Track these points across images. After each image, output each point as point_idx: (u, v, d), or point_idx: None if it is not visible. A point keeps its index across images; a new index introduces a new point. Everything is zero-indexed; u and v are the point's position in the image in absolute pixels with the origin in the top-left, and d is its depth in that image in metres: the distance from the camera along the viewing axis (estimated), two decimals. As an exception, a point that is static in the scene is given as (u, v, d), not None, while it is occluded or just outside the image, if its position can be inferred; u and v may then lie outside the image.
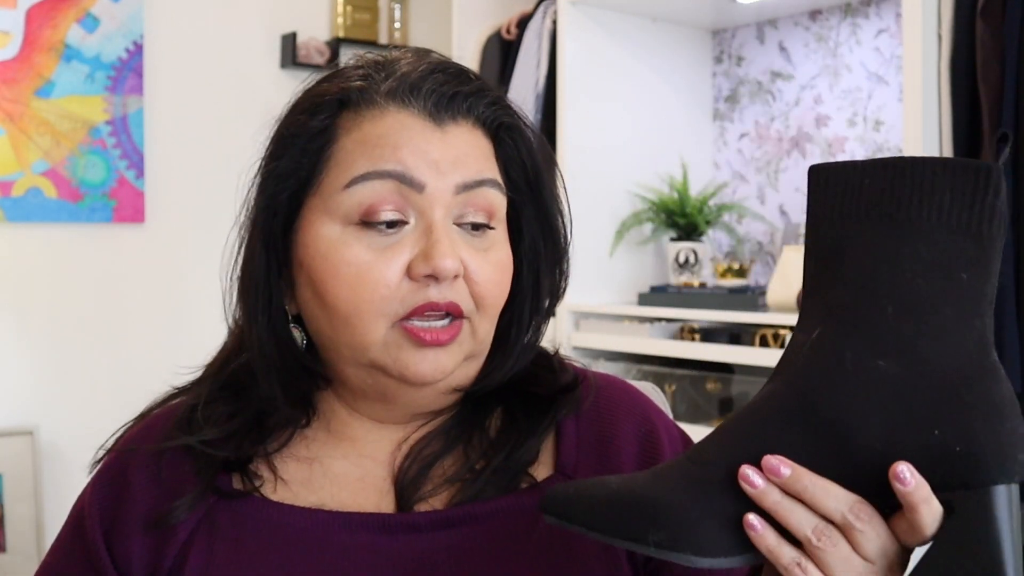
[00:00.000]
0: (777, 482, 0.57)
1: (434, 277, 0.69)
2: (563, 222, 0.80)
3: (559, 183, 0.81)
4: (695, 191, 2.52)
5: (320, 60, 2.99)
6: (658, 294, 2.37)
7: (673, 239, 2.48)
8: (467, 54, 2.73)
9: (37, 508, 2.53)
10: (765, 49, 2.60)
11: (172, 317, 2.78)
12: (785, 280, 2.10)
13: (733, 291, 2.21)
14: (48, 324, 2.66)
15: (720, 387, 2.27)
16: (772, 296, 2.13)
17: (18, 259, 2.61)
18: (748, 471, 0.58)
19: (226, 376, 0.79)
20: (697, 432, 0.92)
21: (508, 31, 2.65)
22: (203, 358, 0.83)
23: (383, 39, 3.16)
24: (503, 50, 2.65)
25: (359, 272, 0.70)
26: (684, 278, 2.43)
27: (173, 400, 0.83)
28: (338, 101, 0.73)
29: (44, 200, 2.62)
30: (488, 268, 0.73)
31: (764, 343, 2.05)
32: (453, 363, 0.72)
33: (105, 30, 2.69)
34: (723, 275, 2.37)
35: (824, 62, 2.45)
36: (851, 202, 0.58)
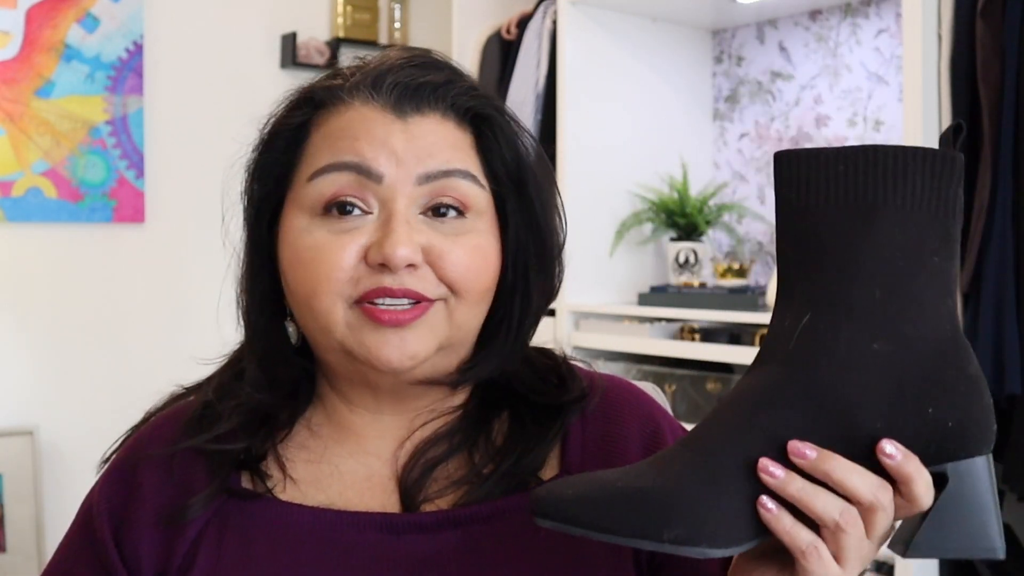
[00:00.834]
0: (804, 465, 0.57)
1: (387, 266, 0.69)
2: (555, 218, 0.79)
3: (550, 178, 0.80)
4: (695, 191, 2.52)
5: (320, 60, 2.99)
6: (658, 294, 2.37)
7: (673, 239, 2.48)
8: (467, 54, 2.73)
9: (37, 508, 2.53)
10: (765, 49, 2.60)
11: (172, 317, 2.78)
12: (785, 280, 2.09)
13: (733, 291, 2.21)
14: (48, 324, 2.66)
15: (720, 387, 2.27)
16: (772, 296, 2.12)
17: (18, 259, 2.62)
18: (767, 463, 0.58)
19: (237, 373, 0.80)
20: (697, 432, 0.92)
21: (508, 31, 2.65)
22: (203, 358, 0.84)
23: (383, 39, 3.16)
24: (503, 50, 2.65)
25: (316, 255, 0.71)
26: (684, 278, 2.43)
27: (181, 399, 0.83)
28: (309, 100, 0.75)
29: (44, 200, 2.62)
30: (459, 252, 0.72)
31: (764, 343, 2.05)
32: (423, 348, 0.71)
33: (105, 30, 2.69)
34: (723, 275, 2.37)
35: (824, 62, 2.45)
36: (828, 188, 0.60)
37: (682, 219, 2.44)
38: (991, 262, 1.68)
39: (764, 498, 0.58)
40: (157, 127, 2.79)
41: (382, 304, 0.70)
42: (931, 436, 0.59)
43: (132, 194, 2.74)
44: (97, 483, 0.80)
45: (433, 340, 0.72)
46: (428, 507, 0.74)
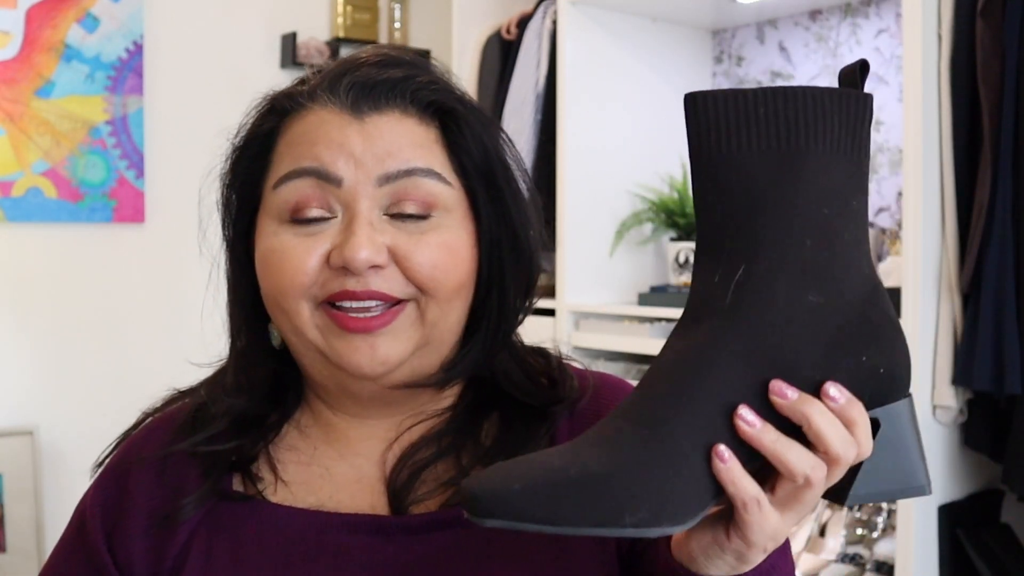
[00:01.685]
0: (783, 405, 0.55)
1: (348, 269, 0.69)
2: (529, 209, 0.78)
3: (521, 169, 0.79)
4: (695, 191, 2.51)
5: (320, 60, 2.99)
6: (658, 294, 2.37)
7: (673, 239, 2.48)
8: (467, 54, 2.73)
9: (37, 508, 2.53)
10: (765, 49, 2.60)
11: (172, 317, 2.78)
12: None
13: (733, 291, 2.21)
14: (48, 324, 2.66)
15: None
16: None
17: (18, 259, 2.61)
18: (745, 411, 0.55)
19: (230, 383, 0.80)
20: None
21: (508, 31, 2.64)
22: (203, 358, 0.84)
23: (383, 39, 3.16)
24: (503, 50, 2.65)
25: (281, 258, 0.71)
26: (684, 278, 2.43)
27: (175, 402, 0.83)
28: (273, 108, 0.75)
29: (44, 200, 2.62)
30: (427, 250, 0.71)
31: (764, 343, 2.05)
32: (394, 353, 0.71)
33: (105, 30, 2.69)
34: (723, 275, 2.36)
35: (824, 62, 2.45)
36: (751, 133, 0.57)
37: (682, 219, 2.44)
38: (991, 262, 1.68)
39: (721, 448, 0.55)
40: (157, 127, 2.79)
41: (349, 308, 0.70)
42: (865, 383, 0.58)
43: (132, 194, 2.74)
44: (90, 487, 0.80)
45: (405, 343, 0.71)
46: (417, 509, 0.74)
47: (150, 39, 2.77)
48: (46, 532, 2.54)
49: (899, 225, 2.22)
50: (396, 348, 0.71)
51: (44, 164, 2.62)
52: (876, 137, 2.35)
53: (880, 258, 2.19)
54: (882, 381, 0.59)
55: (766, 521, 0.56)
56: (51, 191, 2.63)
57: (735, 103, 0.56)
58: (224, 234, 0.78)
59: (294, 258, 0.70)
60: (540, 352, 0.82)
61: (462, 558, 0.72)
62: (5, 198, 2.57)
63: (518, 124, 2.50)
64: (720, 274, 0.58)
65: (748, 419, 0.55)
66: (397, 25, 3.18)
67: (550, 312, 2.45)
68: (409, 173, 0.71)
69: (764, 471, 0.57)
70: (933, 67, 1.76)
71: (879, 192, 2.34)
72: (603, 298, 2.48)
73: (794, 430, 0.57)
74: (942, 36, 1.76)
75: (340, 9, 3.06)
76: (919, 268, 1.74)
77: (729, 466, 0.55)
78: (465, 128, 0.75)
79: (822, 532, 2.03)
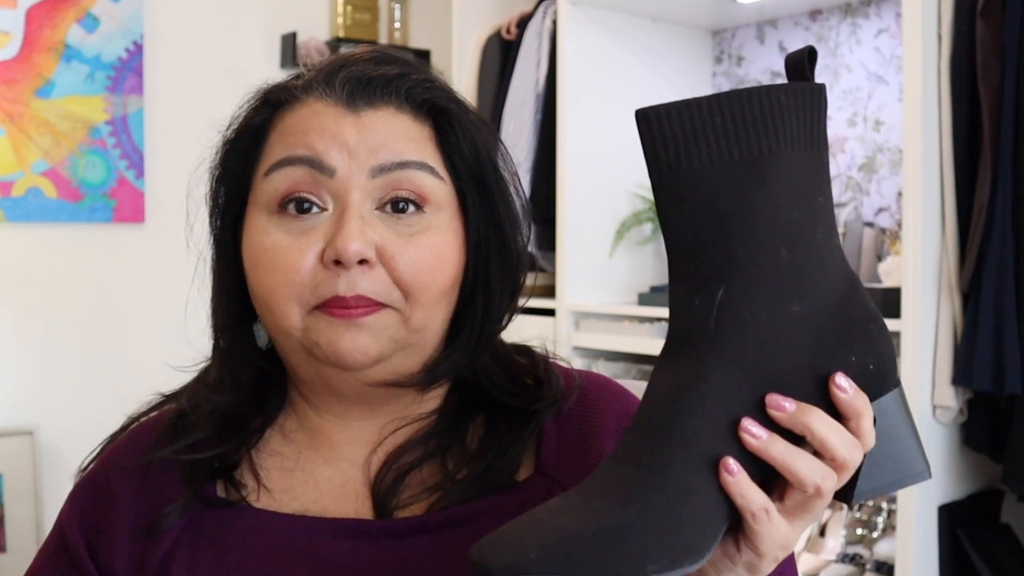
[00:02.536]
0: (782, 418, 0.55)
1: (339, 262, 0.68)
2: (517, 212, 0.78)
3: (512, 172, 0.78)
4: (695, 191, 2.52)
5: (320, 60, 2.99)
6: (658, 294, 2.36)
7: (673, 239, 2.47)
8: (467, 54, 2.73)
9: (37, 508, 2.53)
10: (765, 49, 2.60)
11: (172, 317, 2.77)
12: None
13: (733, 291, 2.21)
14: (48, 324, 2.66)
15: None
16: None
17: (18, 259, 2.61)
18: (749, 423, 0.55)
19: (212, 381, 0.79)
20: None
21: (508, 31, 2.64)
22: (202, 359, 0.84)
23: (383, 39, 3.16)
24: (503, 50, 2.65)
25: (274, 258, 0.70)
26: (684, 278, 2.43)
27: (160, 407, 0.83)
28: (267, 101, 0.76)
29: (44, 200, 2.62)
30: (413, 251, 0.70)
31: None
32: (375, 347, 0.70)
33: (105, 30, 2.69)
34: (723, 275, 2.36)
35: (824, 62, 2.45)
36: (708, 146, 0.55)
37: (682, 219, 2.44)
38: (991, 262, 1.68)
39: (729, 460, 0.54)
40: (157, 127, 2.79)
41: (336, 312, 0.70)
42: (858, 382, 0.57)
43: (132, 194, 2.74)
44: (70, 494, 0.79)
45: (387, 340, 0.71)
46: (402, 513, 0.73)
47: (150, 39, 2.77)
48: (46, 532, 2.54)
49: (899, 225, 2.22)
50: (376, 343, 0.70)
51: (44, 164, 2.62)
52: (876, 137, 2.35)
53: (880, 258, 2.19)
54: (873, 377, 0.58)
55: (776, 530, 0.56)
56: (51, 191, 2.63)
57: (689, 115, 0.54)
58: (211, 227, 0.78)
59: (286, 258, 0.70)
60: (524, 351, 0.82)
61: (447, 562, 0.71)
62: (5, 198, 2.57)
63: (518, 124, 2.50)
64: (700, 298, 0.56)
65: (753, 432, 0.55)
66: (397, 25, 3.18)
67: (550, 312, 2.45)
68: (402, 165, 0.71)
69: (770, 481, 0.57)
70: (933, 67, 1.76)
71: (879, 192, 2.34)
72: (603, 298, 2.48)
73: (797, 445, 0.57)
74: (942, 36, 1.76)
75: (340, 9, 3.06)
76: (919, 268, 1.75)
77: (737, 478, 0.55)
78: (458, 128, 0.74)
79: (822, 532, 2.03)
